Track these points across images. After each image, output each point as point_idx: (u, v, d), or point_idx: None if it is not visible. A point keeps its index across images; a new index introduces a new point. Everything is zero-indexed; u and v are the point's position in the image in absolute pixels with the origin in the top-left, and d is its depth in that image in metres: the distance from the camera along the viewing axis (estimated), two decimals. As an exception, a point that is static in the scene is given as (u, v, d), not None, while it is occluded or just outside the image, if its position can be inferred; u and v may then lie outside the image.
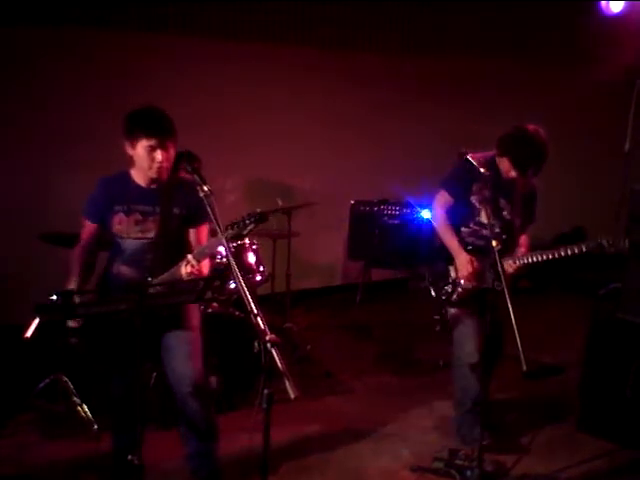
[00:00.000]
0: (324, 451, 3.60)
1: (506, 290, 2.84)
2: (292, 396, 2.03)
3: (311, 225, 5.56)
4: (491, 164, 3.40)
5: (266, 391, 2.11)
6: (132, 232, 2.84)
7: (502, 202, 3.46)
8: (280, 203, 4.72)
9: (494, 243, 2.98)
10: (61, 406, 3.75)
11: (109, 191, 2.87)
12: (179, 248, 2.83)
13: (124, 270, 2.86)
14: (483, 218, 3.40)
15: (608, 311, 3.85)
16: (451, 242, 3.46)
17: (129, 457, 2.43)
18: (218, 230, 2.47)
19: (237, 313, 3.92)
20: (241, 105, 5.41)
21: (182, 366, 2.90)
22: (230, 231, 2.57)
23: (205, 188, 2.49)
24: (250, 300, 2.21)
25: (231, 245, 2.69)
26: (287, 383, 2.02)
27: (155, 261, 2.80)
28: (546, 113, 6.59)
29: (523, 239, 3.55)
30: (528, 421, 3.94)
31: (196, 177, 2.56)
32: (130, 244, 2.86)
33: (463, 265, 3.40)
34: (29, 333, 3.29)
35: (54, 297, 2.38)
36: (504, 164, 3.38)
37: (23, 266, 4.72)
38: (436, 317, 3.88)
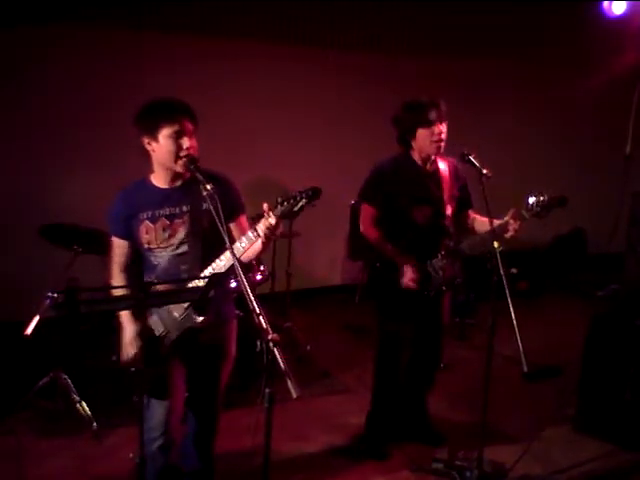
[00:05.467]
0: (323, 450, 3.61)
1: (507, 291, 2.83)
2: (294, 396, 2.02)
3: (311, 225, 5.54)
4: (406, 161, 3.37)
5: (268, 390, 2.11)
6: (160, 239, 2.64)
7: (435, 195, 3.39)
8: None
9: (496, 244, 2.98)
10: (60, 403, 3.75)
11: (130, 201, 2.67)
12: (215, 250, 2.52)
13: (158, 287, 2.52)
14: (417, 219, 3.35)
15: (606, 312, 3.86)
16: (389, 251, 3.38)
17: (130, 455, 2.43)
18: (220, 228, 2.32)
19: (238, 312, 3.92)
20: (241, 104, 5.39)
21: (198, 427, 2.88)
22: (280, 207, 2.33)
23: (208, 187, 2.42)
24: (252, 299, 2.19)
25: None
26: (289, 382, 2.01)
27: (191, 264, 2.62)
28: (547, 114, 6.65)
29: (473, 214, 3.51)
30: (527, 422, 3.94)
31: (198, 175, 2.49)
32: (161, 257, 2.66)
33: (406, 271, 3.31)
34: (29, 330, 3.31)
35: (54, 295, 2.36)
36: (421, 137, 3.29)
37: (23, 263, 4.71)
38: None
